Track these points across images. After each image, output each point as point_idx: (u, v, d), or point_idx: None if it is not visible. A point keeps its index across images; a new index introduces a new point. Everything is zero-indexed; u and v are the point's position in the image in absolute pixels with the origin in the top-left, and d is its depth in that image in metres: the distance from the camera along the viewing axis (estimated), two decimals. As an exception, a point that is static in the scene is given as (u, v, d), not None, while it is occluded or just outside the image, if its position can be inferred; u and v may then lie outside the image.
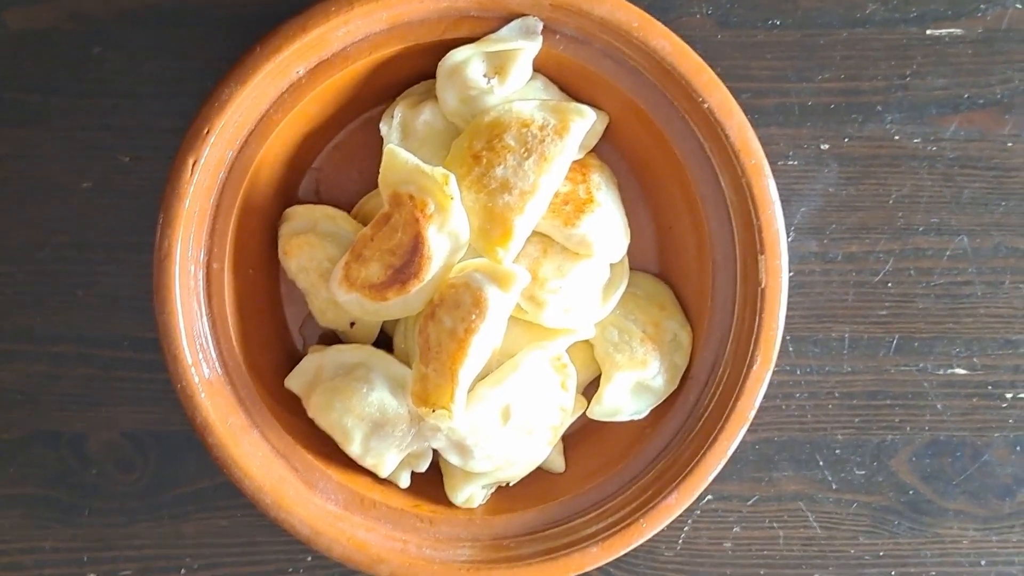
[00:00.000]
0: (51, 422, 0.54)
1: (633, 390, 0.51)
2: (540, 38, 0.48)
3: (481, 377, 0.50)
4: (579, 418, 0.52)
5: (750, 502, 0.55)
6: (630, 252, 0.51)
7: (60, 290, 0.54)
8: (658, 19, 0.47)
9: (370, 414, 0.49)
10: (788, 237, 0.53)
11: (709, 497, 0.55)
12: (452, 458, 0.50)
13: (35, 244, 0.54)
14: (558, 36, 0.48)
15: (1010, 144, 0.53)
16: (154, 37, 0.53)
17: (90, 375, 0.54)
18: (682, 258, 0.52)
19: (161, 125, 0.53)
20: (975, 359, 0.54)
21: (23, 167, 0.53)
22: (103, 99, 0.53)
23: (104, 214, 0.53)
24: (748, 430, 0.49)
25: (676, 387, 0.51)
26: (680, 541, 0.55)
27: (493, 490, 0.52)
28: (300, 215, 0.51)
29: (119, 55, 0.53)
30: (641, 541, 0.49)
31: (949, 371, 0.54)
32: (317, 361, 0.51)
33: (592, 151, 0.51)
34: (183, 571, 0.55)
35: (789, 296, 0.49)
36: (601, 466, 0.52)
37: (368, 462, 0.50)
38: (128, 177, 0.53)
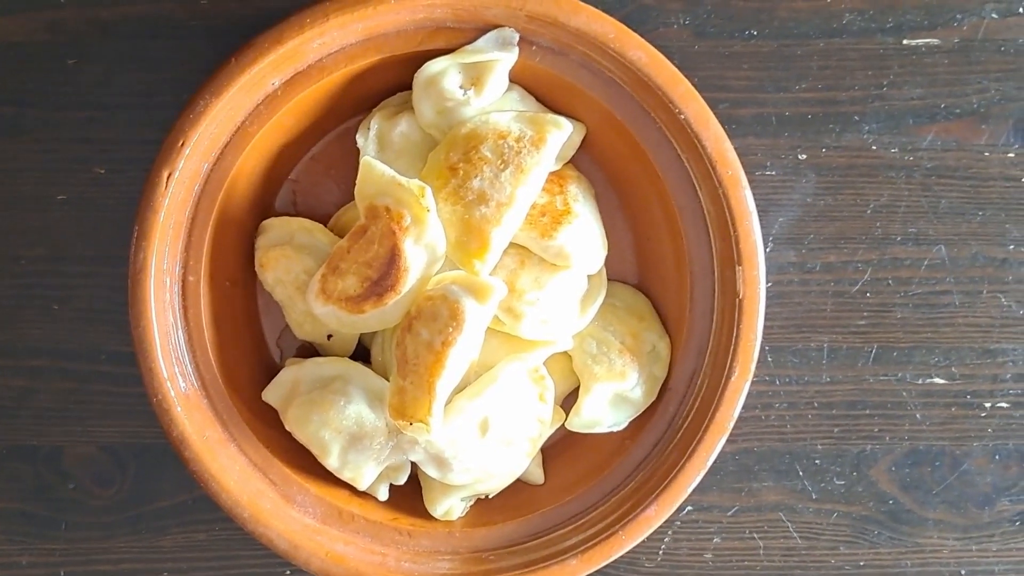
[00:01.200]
0: (28, 436, 0.54)
1: (612, 402, 0.51)
2: (516, 49, 0.48)
3: (459, 389, 0.49)
4: (558, 430, 0.52)
5: (730, 513, 0.55)
6: (608, 263, 0.51)
7: (36, 304, 0.53)
8: (635, 30, 0.47)
9: (348, 427, 0.49)
10: (766, 247, 0.53)
11: (689, 508, 0.55)
12: (430, 471, 0.50)
13: (10, 257, 0.53)
14: (534, 47, 0.48)
15: (987, 154, 0.53)
16: (130, 49, 0.52)
17: (67, 389, 0.54)
18: (660, 269, 0.52)
19: (137, 137, 0.53)
20: (954, 368, 0.54)
21: (-2, 180, 0.53)
22: (79, 111, 0.52)
23: (80, 227, 0.53)
24: (727, 441, 0.49)
25: (655, 398, 0.51)
26: (660, 552, 0.55)
27: (472, 503, 0.52)
28: (277, 227, 0.51)
29: (95, 67, 0.52)
30: (621, 553, 0.49)
31: (928, 381, 0.54)
32: (294, 374, 0.50)
33: (569, 162, 0.51)
34: (161, 585, 0.55)
35: (768, 306, 0.49)
36: (580, 478, 0.51)
37: (346, 475, 0.50)
38: (104, 190, 0.53)
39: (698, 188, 0.48)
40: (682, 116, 0.47)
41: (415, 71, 0.49)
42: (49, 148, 0.53)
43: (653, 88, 0.48)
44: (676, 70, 0.47)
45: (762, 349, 0.49)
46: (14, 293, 0.53)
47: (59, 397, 0.54)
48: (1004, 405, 0.55)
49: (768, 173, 0.53)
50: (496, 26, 0.48)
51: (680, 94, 0.47)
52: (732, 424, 0.49)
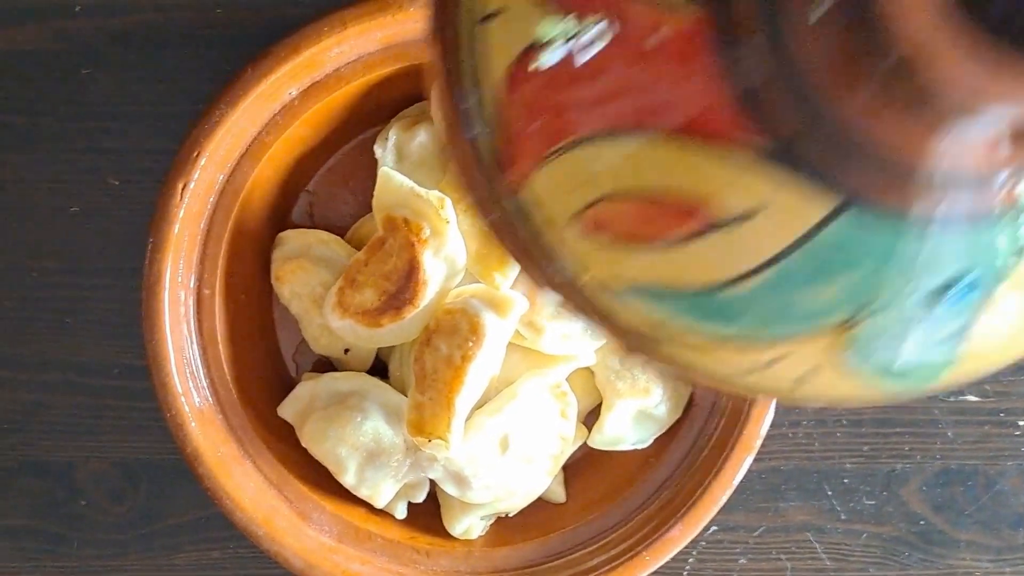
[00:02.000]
0: (39, 452, 0.53)
1: (635, 418, 0.50)
2: (538, 58, 0.47)
3: (479, 405, 0.48)
4: (580, 447, 0.51)
5: (756, 533, 0.54)
6: (632, 277, 0.50)
7: (48, 317, 0.53)
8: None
9: (365, 443, 0.48)
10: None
11: (714, 528, 0.54)
12: (449, 488, 0.49)
13: (22, 270, 0.52)
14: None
15: None
16: (144, 58, 0.52)
17: (79, 403, 0.53)
18: (685, 282, 0.50)
19: (151, 147, 0.52)
20: (986, 386, 0.53)
21: (9, 192, 0.52)
22: (91, 121, 0.52)
23: (93, 239, 0.52)
24: (754, 459, 0.48)
25: (680, 415, 0.50)
26: (685, 574, 0.54)
27: (492, 521, 0.51)
28: (293, 239, 0.50)
29: (108, 77, 0.52)
30: (645, 574, 0.48)
31: (960, 398, 0.53)
32: (310, 389, 0.49)
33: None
34: (174, 604, 0.54)
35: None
36: (603, 496, 0.50)
37: (363, 492, 0.49)
38: (117, 201, 0.52)
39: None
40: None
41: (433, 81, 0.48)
42: (61, 159, 0.52)
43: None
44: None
45: (790, 365, 0.48)
46: (26, 306, 0.53)
47: (71, 412, 0.53)
48: (1039, 423, 0.53)
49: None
50: None
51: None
52: (759, 442, 0.48)
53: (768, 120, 0.24)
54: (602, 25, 0.25)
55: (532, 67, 0.27)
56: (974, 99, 0.21)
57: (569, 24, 0.26)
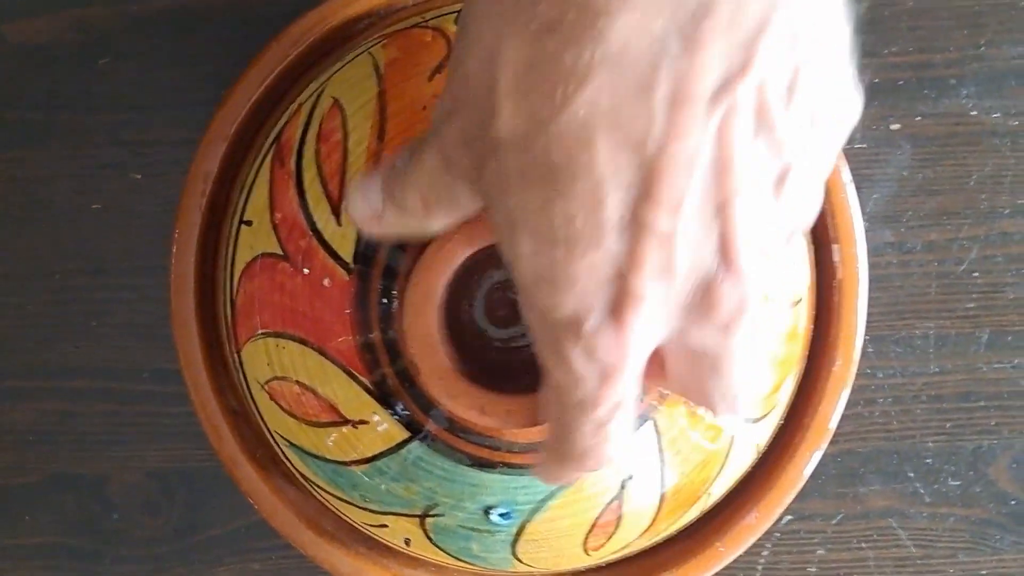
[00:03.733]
0: (69, 464, 0.51)
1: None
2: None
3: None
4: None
5: (835, 521, 0.50)
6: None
7: (73, 321, 0.50)
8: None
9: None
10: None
11: (789, 517, 0.50)
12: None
13: (44, 273, 0.50)
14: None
15: (1102, 112, 0.49)
16: (164, 45, 0.49)
17: (109, 411, 0.50)
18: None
19: (175, 138, 0.49)
20: (1075, 350, 0.50)
21: (28, 190, 0.50)
22: (112, 113, 0.49)
23: (117, 237, 0.50)
24: (829, 442, 0.44)
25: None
26: (760, 568, 0.50)
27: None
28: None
29: (127, 66, 0.49)
30: (720, 567, 0.44)
31: (1047, 365, 0.50)
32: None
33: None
34: (216, 622, 0.51)
35: (867, 286, 0.45)
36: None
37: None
38: (141, 196, 0.50)
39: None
40: (768, 81, 0.44)
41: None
42: (81, 154, 0.50)
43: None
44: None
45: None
46: (50, 311, 0.50)
47: (101, 421, 0.50)
48: None
49: (859, 146, 0.49)
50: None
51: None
52: (836, 420, 0.44)
53: (374, 367, 0.37)
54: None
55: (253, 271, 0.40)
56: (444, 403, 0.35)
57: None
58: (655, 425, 0.38)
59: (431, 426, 0.38)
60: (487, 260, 0.36)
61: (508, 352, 0.37)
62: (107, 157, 0.50)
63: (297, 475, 0.43)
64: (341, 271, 0.38)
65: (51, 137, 0.50)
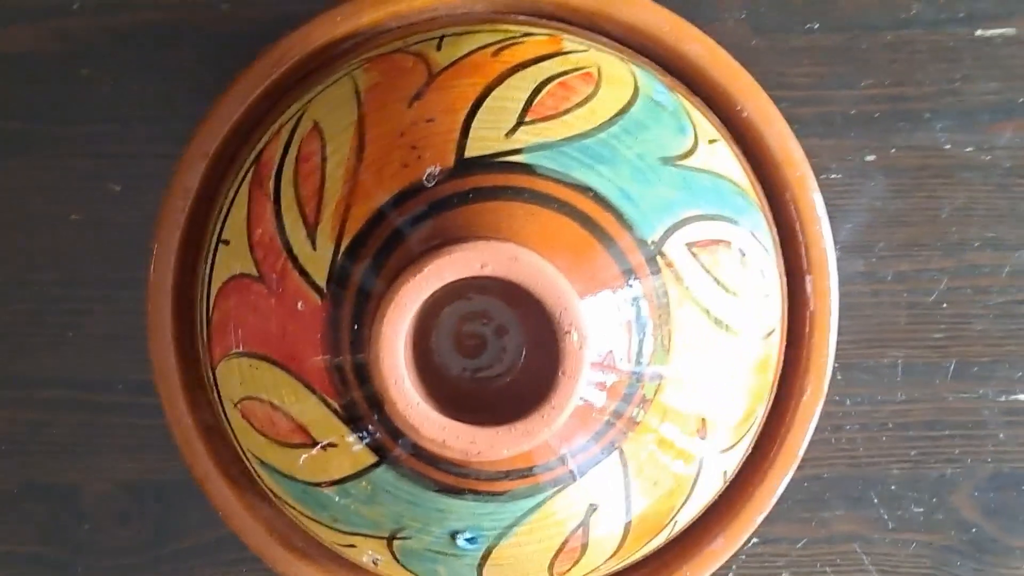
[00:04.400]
0: (41, 473, 0.51)
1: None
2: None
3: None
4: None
5: (799, 545, 0.52)
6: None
7: (48, 331, 0.51)
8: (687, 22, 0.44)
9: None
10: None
11: (755, 540, 0.51)
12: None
13: (19, 282, 0.51)
14: (581, 43, 0.45)
15: (1071, 150, 0.50)
16: (146, 57, 0.50)
17: (82, 422, 0.51)
18: (720, 281, 0.49)
19: (155, 151, 0.50)
20: (1039, 383, 0.51)
21: (6, 199, 0.50)
22: (92, 125, 0.50)
23: (94, 248, 0.50)
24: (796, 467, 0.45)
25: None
26: (724, 589, 0.51)
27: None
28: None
29: (108, 77, 0.50)
30: (685, 590, 0.45)
31: (1011, 397, 0.51)
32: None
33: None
34: (185, 632, 0.51)
35: (838, 318, 0.46)
36: (638, 509, 0.48)
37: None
38: (119, 208, 0.50)
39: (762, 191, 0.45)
40: (744, 113, 0.44)
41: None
42: (60, 165, 0.50)
43: (712, 83, 0.44)
44: (736, 64, 0.44)
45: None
46: (25, 320, 0.51)
47: (74, 431, 0.51)
48: (1094, 423, 0.51)
49: (833, 176, 0.50)
50: (539, 16, 0.45)
51: (741, 89, 0.44)
52: (803, 449, 0.45)
53: (343, 391, 0.38)
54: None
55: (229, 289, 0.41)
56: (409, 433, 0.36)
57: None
58: (621, 454, 0.39)
59: (399, 451, 0.38)
60: (456, 291, 0.36)
61: (475, 382, 0.38)
62: (86, 168, 0.50)
63: (268, 492, 0.43)
64: (314, 295, 0.38)
65: (30, 147, 0.50)
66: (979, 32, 0.50)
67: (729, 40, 0.49)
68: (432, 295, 0.35)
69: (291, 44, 0.44)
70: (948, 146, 0.50)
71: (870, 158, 0.50)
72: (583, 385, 0.35)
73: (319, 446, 0.39)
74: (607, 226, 0.38)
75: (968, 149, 0.50)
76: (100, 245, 0.50)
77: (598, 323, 0.37)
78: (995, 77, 0.50)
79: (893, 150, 0.50)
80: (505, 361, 0.38)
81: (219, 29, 0.50)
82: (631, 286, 0.38)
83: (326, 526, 0.42)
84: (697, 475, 0.42)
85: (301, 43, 0.44)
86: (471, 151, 0.38)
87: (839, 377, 0.51)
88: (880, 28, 0.50)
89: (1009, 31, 0.50)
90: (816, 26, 0.50)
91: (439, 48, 0.41)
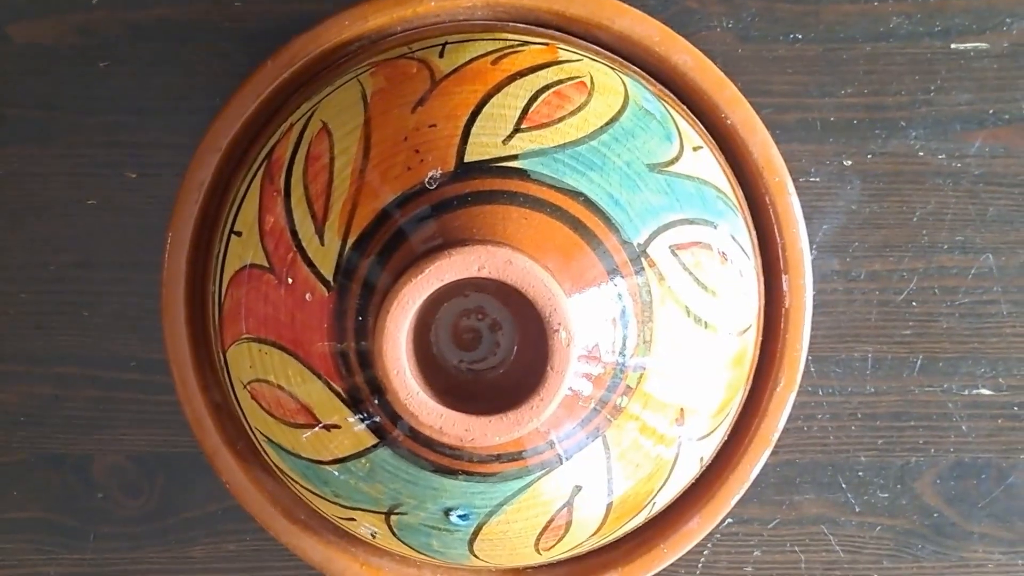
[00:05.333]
0: (55, 445, 0.53)
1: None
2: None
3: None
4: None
5: (771, 525, 0.54)
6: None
7: (65, 310, 0.53)
8: (677, 34, 0.46)
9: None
10: (811, 255, 0.51)
11: (729, 520, 0.54)
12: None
13: (39, 263, 0.52)
14: (576, 51, 0.47)
15: (1037, 160, 0.52)
16: (162, 52, 0.51)
17: (96, 397, 0.53)
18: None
19: (169, 141, 0.52)
20: (1000, 379, 0.53)
21: (26, 185, 0.52)
22: (109, 115, 0.52)
23: (110, 232, 0.52)
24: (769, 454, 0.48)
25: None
26: (699, 565, 0.54)
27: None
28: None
29: (126, 70, 0.51)
30: (662, 567, 0.48)
31: (974, 392, 0.53)
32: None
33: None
34: (191, 597, 0.54)
35: (812, 315, 0.48)
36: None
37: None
38: (135, 194, 0.52)
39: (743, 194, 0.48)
40: (728, 121, 0.46)
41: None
42: (79, 152, 0.52)
43: (699, 93, 0.46)
44: (722, 75, 0.46)
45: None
46: (43, 300, 0.53)
47: (88, 405, 0.53)
48: (1052, 417, 0.54)
49: (812, 179, 0.52)
50: (537, 25, 0.47)
51: (727, 99, 0.46)
52: (777, 436, 0.48)
53: (347, 376, 0.40)
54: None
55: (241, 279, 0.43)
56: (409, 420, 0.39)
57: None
58: (605, 441, 0.42)
59: (397, 433, 0.41)
60: (454, 289, 0.39)
61: (471, 374, 0.40)
62: (103, 156, 0.52)
63: (274, 468, 0.46)
64: (322, 288, 0.40)
65: (50, 135, 0.52)
66: (954, 45, 0.52)
67: (717, 48, 0.51)
68: (432, 293, 0.37)
69: (301, 46, 0.46)
70: (922, 153, 0.52)
71: (847, 163, 0.52)
72: (570, 379, 0.38)
73: (323, 426, 0.42)
74: (595, 229, 0.40)
75: (940, 156, 0.52)
76: (116, 229, 0.52)
77: (585, 318, 0.39)
78: (968, 89, 0.52)
79: (869, 156, 0.52)
80: (499, 354, 0.40)
81: (232, 25, 0.51)
82: (616, 285, 0.40)
83: (328, 500, 0.44)
84: (675, 460, 0.44)
85: (310, 45, 0.46)
86: (470, 156, 0.40)
87: (812, 369, 0.53)
88: (860, 40, 0.52)
89: (982, 45, 0.52)
90: (799, 37, 0.52)
91: (441, 55, 0.43)
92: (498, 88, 0.42)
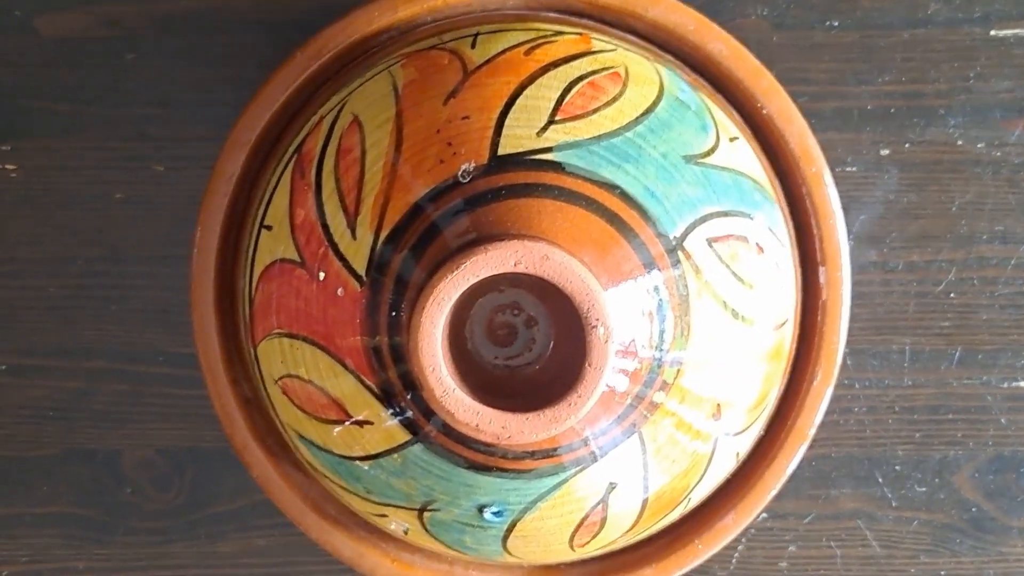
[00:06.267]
0: (85, 439, 0.53)
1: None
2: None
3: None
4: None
5: (806, 520, 0.53)
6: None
7: (93, 304, 0.52)
8: (711, 21, 0.46)
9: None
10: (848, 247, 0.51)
11: (764, 515, 0.53)
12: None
13: (67, 257, 0.52)
14: (609, 40, 0.47)
15: (1079, 149, 0.51)
16: (189, 44, 0.51)
17: (124, 391, 0.53)
18: (737, 269, 0.50)
19: (197, 134, 0.51)
20: (1041, 372, 0.52)
21: (54, 178, 0.52)
22: (137, 108, 0.51)
23: (138, 226, 0.52)
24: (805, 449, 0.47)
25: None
26: (734, 561, 0.53)
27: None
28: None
29: (153, 63, 0.51)
30: (697, 563, 0.47)
31: (1014, 384, 0.53)
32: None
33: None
34: (221, 592, 0.54)
35: (849, 308, 0.47)
36: (653, 485, 0.50)
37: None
38: (162, 188, 0.52)
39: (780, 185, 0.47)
40: (765, 111, 0.46)
41: (486, 65, 0.47)
42: (106, 146, 0.52)
43: (734, 82, 0.46)
44: (758, 63, 0.46)
45: (842, 352, 0.48)
46: (71, 294, 0.52)
47: (116, 400, 0.53)
48: (1093, 410, 0.53)
49: (849, 169, 0.52)
50: (570, 14, 0.46)
51: (763, 88, 0.46)
52: (813, 431, 0.47)
53: (379, 371, 0.40)
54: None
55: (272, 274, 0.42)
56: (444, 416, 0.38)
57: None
58: (640, 437, 0.41)
59: (430, 429, 0.40)
60: (489, 284, 0.38)
61: (506, 370, 0.40)
62: (131, 150, 0.52)
63: (305, 463, 0.46)
64: (354, 282, 0.40)
65: (78, 128, 0.52)
66: (993, 32, 0.51)
67: (751, 36, 0.51)
68: (467, 288, 0.37)
69: (330, 37, 0.46)
70: (960, 142, 0.52)
71: (885, 152, 0.52)
72: (608, 375, 0.37)
73: (355, 423, 0.41)
74: (632, 222, 0.40)
75: (980, 145, 0.52)
76: (143, 223, 0.52)
77: (622, 313, 0.39)
78: (1008, 76, 0.51)
79: (907, 145, 0.52)
80: (535, 350, 0.40)
81: (259, 17, 0.51)
82: (653, 278, 0.40)
83: (359, 497, 0.44)
84: (711, 455, 0.44)
85: (339, 36, 0.46)
86: (504, 148, 0.40)
87: (849, 362, 0.53)
88: (897, 26, 0.51)
89: (1022, 31, 0.51)
90: (836, 23, 0.51)
91: (473, 46, 0.43)
92: (532, 79, 0.41)
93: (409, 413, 0.40)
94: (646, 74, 0.43)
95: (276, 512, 0.48)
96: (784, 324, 0.44)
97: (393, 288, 0.39)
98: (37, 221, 0.52)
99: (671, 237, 0.40)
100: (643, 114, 0.41)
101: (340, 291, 0.40)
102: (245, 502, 0.53)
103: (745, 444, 0.46)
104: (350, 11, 0.46)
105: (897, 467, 0.53)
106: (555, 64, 0.42)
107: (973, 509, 0.53)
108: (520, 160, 0.39)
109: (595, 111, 0.41)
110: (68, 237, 0.52)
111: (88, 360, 0.53)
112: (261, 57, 0.51)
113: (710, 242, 0.41)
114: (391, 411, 0.40)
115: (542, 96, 0.41)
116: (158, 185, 0.52)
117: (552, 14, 0.46)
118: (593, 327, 0.36)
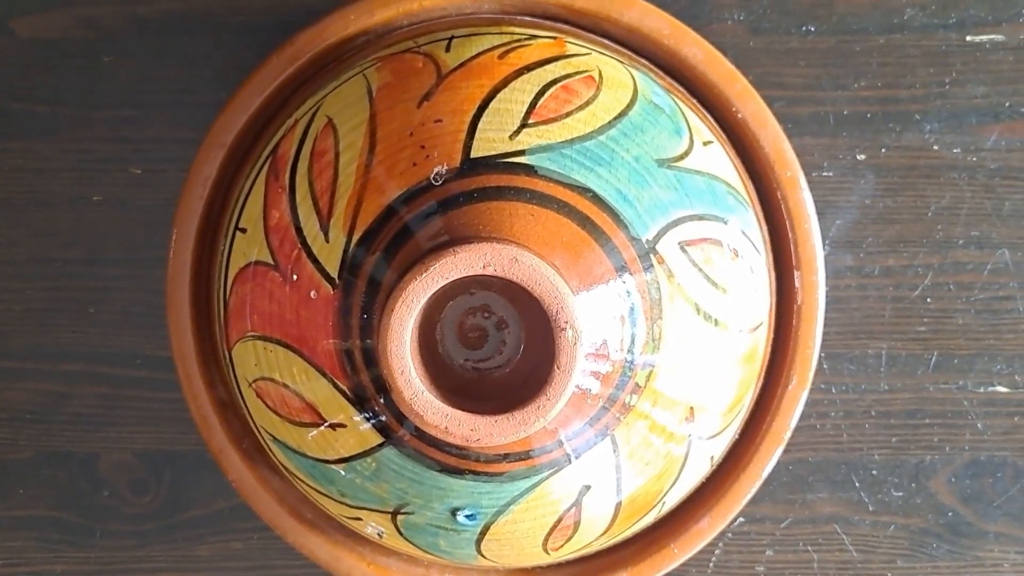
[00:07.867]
0: (61, 442, 0.53)
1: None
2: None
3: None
4: (606, 439, 0.51)
5: (783, 524, 0.53)
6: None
7: (70, 307, 0.52)
8: (688, 25, 0.46)
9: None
10: (823, 251, 0.51)
11: (741, 520, 0.53)
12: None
13: (44, 259, 0.52)
14: (585, 44, 0.47)
15: (1054, 154, 0.52)
16: (166, 45, 0.51)
17: (102, 394, 0.53)
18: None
19: (174, 136, 0.51)
20: (1017, 377, 0.52)
21: (31, 180, 0.52)
22: (114, 110, 0.51)
23: (115, 228, 0.52)
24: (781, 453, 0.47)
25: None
26: (711, 565, 0.53)
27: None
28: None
29: (131, 64, 0.51)
30: (673, 566, 0.47)
31: (990, 389, 0.53)
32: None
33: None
34: (197, 596, 0.53)
35: (824, 312, 0.47)
36: (629, 488, 0.50)
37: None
38: (140, 190, 0.52)
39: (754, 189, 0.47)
40: (739, 115, 0.46)
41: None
42: (84, 148, 0.52)
43: (709, 86, 0.46)
44: (733, 68, 0.46)
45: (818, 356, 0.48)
46: (47, 296, 0.52)
47: (93, 402, 0.53)
48: (1069, 415, 0.53)
49: (825, 174, 0.52)
50: (544, 18, 0.46)
51: (737, 92, 0.46)
52: (789, 435, 0.47)
53: (352, 374, 0.40)
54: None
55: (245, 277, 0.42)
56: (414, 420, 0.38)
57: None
58: (613, 439, 0.41)
59: (403, 433, 0.40)
60: (460, 286, 0.38)
61: (476, 373, 0.40)
62: (108, 152, 0.52)
63: (280, 466, 0.45)
64: (327, 285, 0.40)
65: (55, 130, 0.51)
66: (969, 37, 0.51)
67: (728, 41, 0.51)
68: (437, 291, 0.37)
69: (306, 40, 0.46)
70: (936, 147, 0.52)
71: (861, 157, 0.52)
72: (577, 378, 0.37)
73: (328, 425, 0.41)
74: (604, 226, 0.40)
75: (956, 150, 0.52)
76: (121, 225, 0.52)
77: (593, 316, 0.39)
78: (984, 81, 0.51)
79: (883, 150, 0.52)
80: (505, 353, 0.40)
81: (236, 19, 0.51)
82: (625, 282, 0.40)
83: (334, 500, 0.44)
84: (686, 458, 0.44)
85: (315, 39, 0.46)
86: (477, 152, 0.40)
87: (825, 367, 0.53)
88: (873, 32, 0.51)
89: (998, 37, 0.51)
90: (812, 29, 0.51)
91: (448, 49, 0.43)
92: (505, 83, 0.41)
93: (382, 416, 0.40)
94: (620, 78, 0.43)
95: (253, 516, 0.48)
96: (758, 328, 0.44)
97: (365, 290, 0.39)
98: (13, 223, 0.52)
99: (643, 240, 0.40)
100: (616, 118, 0.41)
101: (313, 293, 0.40)
102: (222, 505, 0.53)
103: (720, 447, 0.46)
104: (326, 14, 0.46)
105: (874, 471, 0.53)
106: (529, 68, 0.42)
107: (950, 514, 0.53)
108: (492, 163, 0.40)
109: (568, 115, 0.41)
110: (45, 239, 0.52)
111: (65, 363, 0.53)
112: (239, 59, 0.51)
113: (683, 246, 0.41)
114: (364, 414, 0.40)
115: (515, 99, 0.41)
116: (136, 187, 0.52)
117: (527, 18, 0.46)
118: (562, 330, 0.36)
